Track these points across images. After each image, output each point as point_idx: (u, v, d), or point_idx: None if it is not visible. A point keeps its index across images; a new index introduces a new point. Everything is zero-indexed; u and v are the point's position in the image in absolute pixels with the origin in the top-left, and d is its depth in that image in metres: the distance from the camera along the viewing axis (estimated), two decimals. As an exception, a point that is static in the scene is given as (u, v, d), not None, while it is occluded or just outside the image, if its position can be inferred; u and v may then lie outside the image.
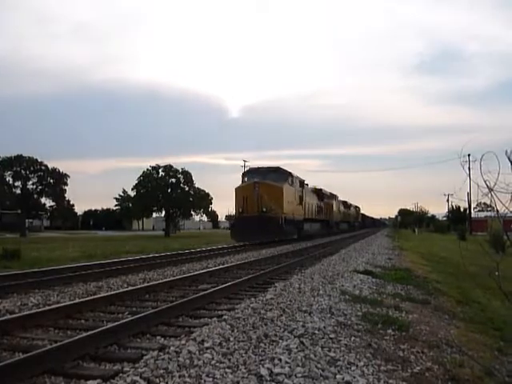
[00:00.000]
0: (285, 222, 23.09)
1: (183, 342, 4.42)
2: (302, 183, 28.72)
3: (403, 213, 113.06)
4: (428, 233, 62.04)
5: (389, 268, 12.91)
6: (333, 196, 43.45)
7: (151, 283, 8.56)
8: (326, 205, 37.89)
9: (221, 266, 11.80)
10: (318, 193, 36.09)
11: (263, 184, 23.15)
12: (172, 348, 4.18)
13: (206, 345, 4.30)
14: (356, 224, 66.32)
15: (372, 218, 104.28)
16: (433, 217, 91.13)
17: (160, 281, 8.88)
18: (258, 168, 25.96)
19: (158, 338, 4.88)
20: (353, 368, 3.93)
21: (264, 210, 22.40)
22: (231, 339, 4.56)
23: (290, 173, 25.85)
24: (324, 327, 5.18)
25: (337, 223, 45.23)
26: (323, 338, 4.77)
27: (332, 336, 4.86)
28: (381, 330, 5.40)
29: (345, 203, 53.98)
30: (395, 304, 7.24)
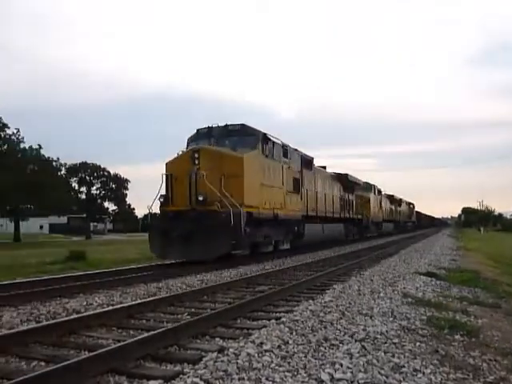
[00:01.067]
0: (251, 223, 13.11)
1: (242, 344, 4.39)
2: (304, 160, 18.14)
3: (467, 211, 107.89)
4: (495, 232, 58.76)
5: (453, 270, 12.31)
6: (371, 187, 32.45)
7: (209, 285, 8.66)
8: (357, 198, 27.96)
9: (277, 268, 11.75)
10: (343, 180, 25.08)
11: (207, 152, 13.00)
12: (231, 350, 4.16)
13: (265, 347, 4.24)
14: (409, 224, 55.80)
15: (431, 217, 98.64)
16: (500, 215, 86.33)
17: (217, 282, 8.96)
18: (211, 127, 14.51)
19: (217, 339, 4.88)
20: (419, 375, 3.73)
21: (200, 199, 12.39)
22: (290, 342, 4.47)
23: (264, 134, 14.50)
24: (386, 331, 4.98)
25: (377, 223, 33.98)
26: (386, 342, 4.58)
27: (395, 341, 4.65)
28: (448, 336, 5.11)
29: (391, 198, 43.21)
30: (462, 308, 6.85)
